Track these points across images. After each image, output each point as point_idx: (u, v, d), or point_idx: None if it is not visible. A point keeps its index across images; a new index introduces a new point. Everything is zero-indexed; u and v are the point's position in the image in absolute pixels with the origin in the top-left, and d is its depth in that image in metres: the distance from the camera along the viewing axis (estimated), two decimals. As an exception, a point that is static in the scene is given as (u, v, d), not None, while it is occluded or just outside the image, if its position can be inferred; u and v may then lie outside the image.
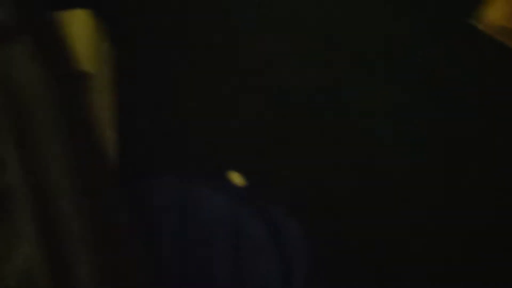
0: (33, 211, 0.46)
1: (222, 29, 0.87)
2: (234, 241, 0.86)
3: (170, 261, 0.88)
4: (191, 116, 0.91)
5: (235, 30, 0.86)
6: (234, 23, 0.86)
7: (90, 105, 0.68)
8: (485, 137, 0.79)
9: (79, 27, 1.02)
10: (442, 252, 0.78)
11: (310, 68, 0.83)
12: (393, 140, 0.80)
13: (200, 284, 0.87)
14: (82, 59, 0.96)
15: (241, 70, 0.88)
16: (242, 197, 0.87)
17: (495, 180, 0.77)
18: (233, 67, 0.88)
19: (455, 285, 0.78)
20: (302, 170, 0.85)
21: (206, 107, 0.90)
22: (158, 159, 0.93)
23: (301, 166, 0.85)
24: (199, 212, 0.87)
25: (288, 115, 0.85)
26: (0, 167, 0.45)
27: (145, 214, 0.89)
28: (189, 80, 0.91)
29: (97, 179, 0.56)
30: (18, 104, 0.46)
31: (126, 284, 0.51)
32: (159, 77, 0.93)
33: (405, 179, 0.79)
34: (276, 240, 0.84)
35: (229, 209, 0.87)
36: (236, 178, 0.87)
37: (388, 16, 0.82)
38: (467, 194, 0.79)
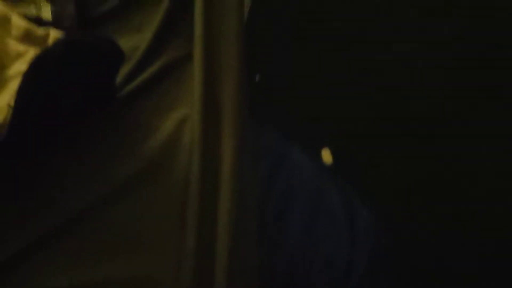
0: (201, 79, 0.53)
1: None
2: (312, 208, 0.87)
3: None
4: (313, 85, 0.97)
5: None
6: None
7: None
8: None
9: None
10: None
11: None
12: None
13: (270, 240, 0.84)
14: None
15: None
16: (328, 172, 0.91)
17: None
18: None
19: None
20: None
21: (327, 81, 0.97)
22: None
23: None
24: (285, 172, 0.88)
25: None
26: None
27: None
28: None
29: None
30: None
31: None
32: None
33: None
34: (349, 223, 0.88)
35: (314, 176, 0.90)
36: (326, 156, 0.92)
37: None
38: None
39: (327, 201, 0.86)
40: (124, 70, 0.49)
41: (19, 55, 0.47)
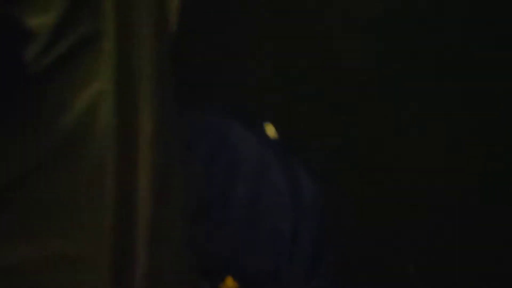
0: (113, 54, 0.53)
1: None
2: (256, 184, 0.88)
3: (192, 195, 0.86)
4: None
5: None
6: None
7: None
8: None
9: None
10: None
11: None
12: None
13: (214, 220, 0.85)
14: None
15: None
16: (272, 146, 0.92)
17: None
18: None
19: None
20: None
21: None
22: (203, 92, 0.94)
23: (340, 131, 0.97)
24: (228, 150, 0.89)
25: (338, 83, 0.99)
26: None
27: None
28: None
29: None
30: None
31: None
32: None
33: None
34: (294, 193, 0.89)
35: (257, 152, 0.91)
36: (270, 130, 0.93)
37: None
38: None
39: (270, 175, 0.87)
40: (35, 47, 0.48)
41: None
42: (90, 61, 0.51)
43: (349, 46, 0.98)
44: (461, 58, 0.98)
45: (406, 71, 0.98)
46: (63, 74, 0.49)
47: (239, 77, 0.97)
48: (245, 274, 0.83)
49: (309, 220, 0.87)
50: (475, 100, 0.96)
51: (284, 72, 0.96)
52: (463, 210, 0.90)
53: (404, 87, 0.98)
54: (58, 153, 0.47)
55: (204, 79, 0.94)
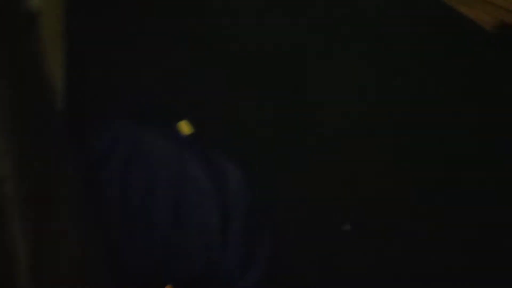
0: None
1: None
2: (177, 184, 0.88)
3: (110, 208, 0.85)
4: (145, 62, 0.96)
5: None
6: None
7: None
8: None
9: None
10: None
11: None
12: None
13: (140, 230, 0.85)
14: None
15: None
16: (188, 143, 0.91)
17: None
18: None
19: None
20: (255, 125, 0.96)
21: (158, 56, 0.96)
22: (107, 105, 0.93)
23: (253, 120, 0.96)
24: (143, 157, 0.88)
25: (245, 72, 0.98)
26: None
27: (89, 160, 0.87)
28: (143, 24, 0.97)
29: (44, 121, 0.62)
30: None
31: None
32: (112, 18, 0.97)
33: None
34: (217, 185, 0.88)
35: (173, 153, 0.90)
36: (184, 127, 0.92)
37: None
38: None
39: (190, 172, 0.87)
40: None
41: None
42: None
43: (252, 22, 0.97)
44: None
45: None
46: None
47: (148, 77, 0.97)
48: (181, 276, 0.84)
49: (237, 209, 0.87)
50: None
51: (196, 67, 0.95)
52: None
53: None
54: None
55: (112, 82, 0.93)
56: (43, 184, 0.54)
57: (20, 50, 0.59)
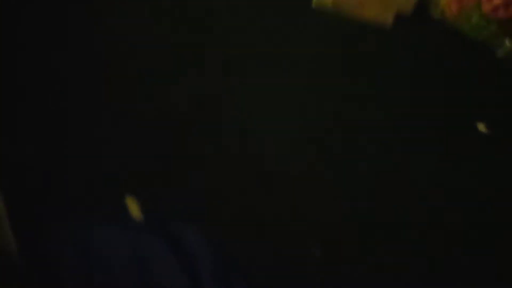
0: None
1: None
2: (139, 267, 0.87)
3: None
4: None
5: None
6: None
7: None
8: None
9: None
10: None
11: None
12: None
13: None
14: None
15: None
16: (139, 224, 0.91)
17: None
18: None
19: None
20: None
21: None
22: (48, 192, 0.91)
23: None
24: (97, 245, 0.87)
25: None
26: None
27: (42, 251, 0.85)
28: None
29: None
30: None
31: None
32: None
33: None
34: (176, 250, 0.88)
35: (127, 236, 0.89)
36: (133, 208, 0.91)
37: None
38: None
39: (152, 253, 0.85)
40: None
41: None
42: None
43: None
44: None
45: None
46: None
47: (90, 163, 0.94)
48: None
49: (204, 265, 0.86)
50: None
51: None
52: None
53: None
54: None
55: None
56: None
57: None
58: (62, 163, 0.95)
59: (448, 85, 1.00)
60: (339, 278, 0.83)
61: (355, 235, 0.86)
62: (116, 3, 1.07)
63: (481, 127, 0.94)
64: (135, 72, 1.02)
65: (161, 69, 1.05)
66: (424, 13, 1.03)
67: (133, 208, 0.91)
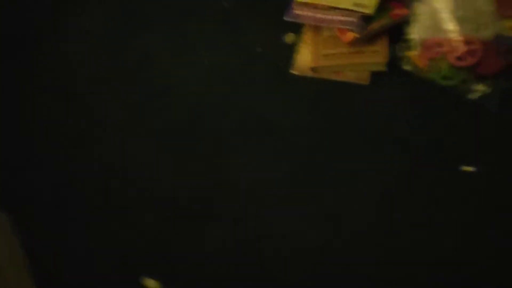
0: None
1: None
2: None
3: None
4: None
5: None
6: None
7: None
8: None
9: None
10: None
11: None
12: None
13: None
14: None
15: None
16: None
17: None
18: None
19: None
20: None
21: None
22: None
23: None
24: None
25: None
26: None
27: None
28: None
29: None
30: None
31: None
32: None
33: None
34: None
35: None
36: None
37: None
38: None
39: None
40: None
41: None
42: None
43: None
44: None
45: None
46: None
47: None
48: None
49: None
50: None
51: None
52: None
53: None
54: None
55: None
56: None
57: None
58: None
59: (427, 131, 1.07)
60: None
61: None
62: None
63: (467, 168, 1.00)
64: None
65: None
66: (398, 67, 1.10)
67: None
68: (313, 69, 1.15)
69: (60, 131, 1.19)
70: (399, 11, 1.11)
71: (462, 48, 1.03)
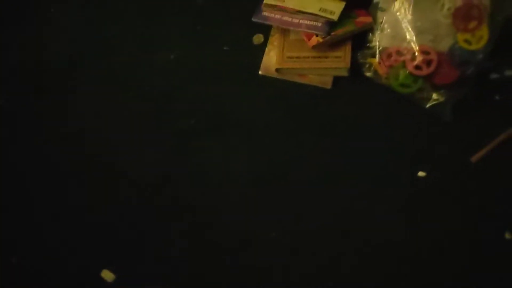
0: None
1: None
2: None
3: None
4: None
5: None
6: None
7: None
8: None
9: None
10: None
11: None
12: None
13: None
14: None
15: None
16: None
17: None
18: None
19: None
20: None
21: None
22: None
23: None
24: None
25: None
26: None
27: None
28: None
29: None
30: None
31: None
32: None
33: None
34: None
35: None
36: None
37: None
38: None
39: None
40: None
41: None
42: None
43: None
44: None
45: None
46: None
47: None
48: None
49: None
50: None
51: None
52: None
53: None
54: None
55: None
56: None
57: None
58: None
59: (384, 136, 1.11)
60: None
61: None
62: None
63: (422, 174, 1.05)
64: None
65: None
66: (360, 73, 1.14)
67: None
68: (278, 71, 1.18)
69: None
70: (363, 19, 1.15)
71: (419, 58, 1.07)
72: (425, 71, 1.08)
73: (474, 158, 1.04)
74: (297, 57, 1.17)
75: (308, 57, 1.16)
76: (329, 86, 1.16)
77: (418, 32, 1.07)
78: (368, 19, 1.14)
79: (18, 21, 1.32)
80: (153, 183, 1.10)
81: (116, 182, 1.10)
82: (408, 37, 1.08)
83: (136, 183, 1.10)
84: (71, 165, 1.13)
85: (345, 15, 1.14)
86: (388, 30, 1.10)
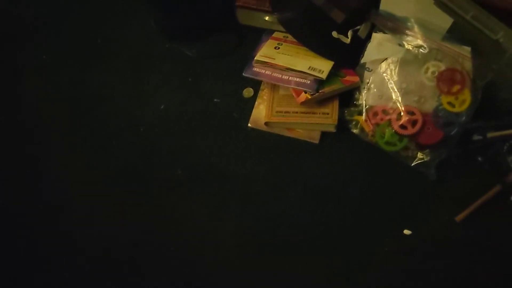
0: None
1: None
2: None
3: None
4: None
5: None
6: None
7: None
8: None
9: None
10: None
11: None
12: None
13: None
14: None
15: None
16: None
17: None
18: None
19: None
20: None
21: None
22: None
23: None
24: None
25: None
26: None
27: None
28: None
29: None
30: None
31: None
32: None
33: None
34: None
35: None
36: None
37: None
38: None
39: None
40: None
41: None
42: None
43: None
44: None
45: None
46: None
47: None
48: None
49: None
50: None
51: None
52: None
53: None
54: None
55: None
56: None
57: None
58: None
59: (370, 193, 1.13)
60: None
61: None
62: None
63: (407, 232, 1.06)
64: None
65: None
66: (347, 130, 1.17)
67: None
68: (267, 124, 1.20)
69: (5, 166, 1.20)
70: (350, 78, 1.19)
71: (405, 118, 1.11)
72: (410, 130, 1.11)
73: (459, 218, 1.06)
74: (286, 112, 1.19)
75: (297, 112, 1.19)
76: (316, 141, 1.18)
77: (404, 92, 1.11)
78: (355, 79, 1.18)
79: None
80: (132, 230, 1.09)
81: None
82: (394, 97, 1.12)
83: (113, 236, 1.09)
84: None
85: (333, 73, 1.18)
86: (375, 89, 1.14)
